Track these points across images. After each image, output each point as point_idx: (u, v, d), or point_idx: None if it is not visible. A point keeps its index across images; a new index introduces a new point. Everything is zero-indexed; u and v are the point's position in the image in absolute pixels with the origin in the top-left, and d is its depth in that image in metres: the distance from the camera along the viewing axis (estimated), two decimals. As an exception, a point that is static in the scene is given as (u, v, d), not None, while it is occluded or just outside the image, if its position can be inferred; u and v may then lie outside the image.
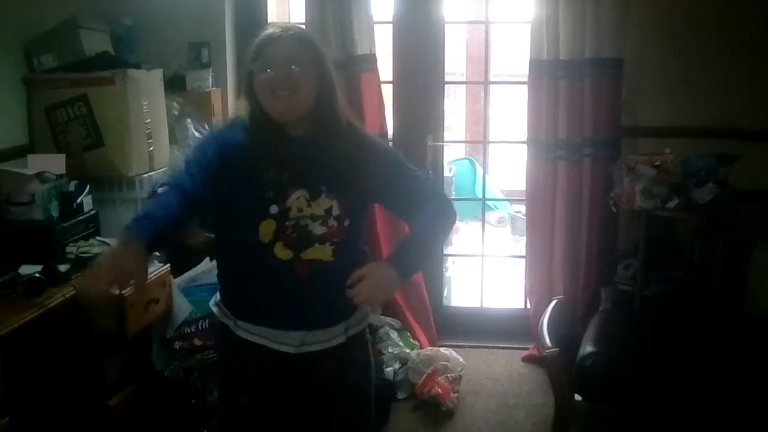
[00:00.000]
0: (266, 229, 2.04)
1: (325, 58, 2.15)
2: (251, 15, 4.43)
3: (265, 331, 2.13)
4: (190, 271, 3.52)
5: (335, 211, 2.08)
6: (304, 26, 4.20)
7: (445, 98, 4.67)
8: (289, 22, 2.16)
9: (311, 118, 2.11)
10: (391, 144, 4.36)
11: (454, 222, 2.24)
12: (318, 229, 2.07)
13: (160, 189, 2.09)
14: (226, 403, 2.30)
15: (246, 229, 2.06)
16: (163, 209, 1.98)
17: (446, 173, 5.41)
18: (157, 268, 3.25)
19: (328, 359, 2.17)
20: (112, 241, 3.21)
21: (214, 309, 2.26)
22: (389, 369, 3.95)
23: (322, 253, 2.08)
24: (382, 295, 2.05)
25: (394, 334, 4.19)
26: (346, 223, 2.10)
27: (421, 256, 2.19)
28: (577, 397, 3.01)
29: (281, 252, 2.05)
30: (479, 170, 7.35)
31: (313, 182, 2.07)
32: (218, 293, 2.27)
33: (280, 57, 2.06)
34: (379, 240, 4.22)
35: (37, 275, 2.76)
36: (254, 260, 2.06)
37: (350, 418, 2.27)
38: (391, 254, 2.12)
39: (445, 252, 4.98)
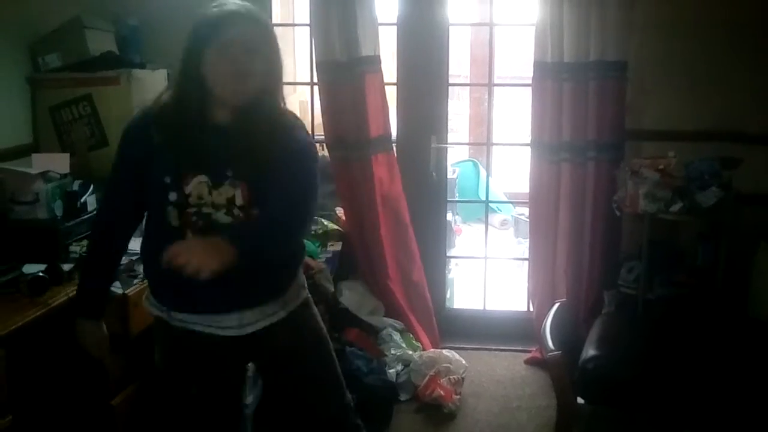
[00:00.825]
0: (172, 214, 2.06)
1: (278, 43, 2.11)
2: (256, 16, 4.43)
3: (202, 317, 2.13)
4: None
5: (239, 200, 2.05)
6: (308, 27, 4.23)
7: (449, 100, 4.67)
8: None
9: (243, 106, 2.07)
10: (395, 145, 4.38)
11: (284, 246, 2.17)
12: (223, 218, 2.06)
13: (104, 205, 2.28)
14: (175, 397, 2.33)
15: (157, 213, 2.09)
16: (115, 235, 2.22)
17: (450, 175, 5.41)
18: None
19: (274, 335, 2.19)
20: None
21: (146, 304, 2.26)
22: (392, 371, 3.95)
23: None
24: (207, 259, 1.86)
25: (396, 336, 4.19)
26: (255, 212, 2.07)
27: (255, 238, 2.03)
28: (580, 400, 3.01)
29: (192, 238, 2.05)
30: (483, 172, 7.35)
31: (218, 168, 2.04)
32: (147, 288, 2.28)
33: (240, 43, 2.01)
34: (383, 243, 4.23)
35: (40, 274, 2.77)
36: (170, 244, 1.94)
37: (308, 377, 2.31)
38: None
39: (448, 254, 4.98)
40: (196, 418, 2.27)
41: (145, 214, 2.23)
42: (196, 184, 2.04)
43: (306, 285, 2.37)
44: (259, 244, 2.02)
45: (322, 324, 2.41)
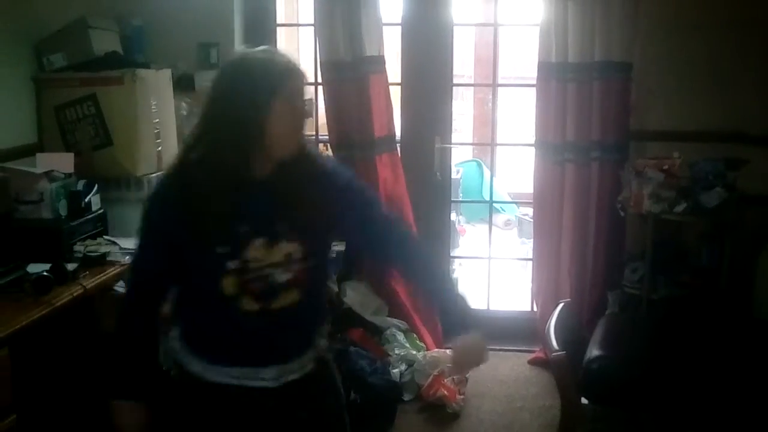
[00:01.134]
0: (229, 283, 1.92)
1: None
2: (260, 16, 4.45)
3: (241, 371, 2.02)
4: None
5: (296, 255, 1.96)
6: (313, 27, 4.23)
7: (454, 100, 4.67)
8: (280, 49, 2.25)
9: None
10: (398, 146, 4.38)
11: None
12: (282, 276, 1.96)
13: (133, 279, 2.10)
14: None
15: (208, 283, 1.94)
16: (147, 314, 2.06)
17: (454, 175, 5.41)
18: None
19: (303, 387, 2.08)
20: (123, 241, 3.22)
21: (179, 357, 2.11)
22: (395, 371, 3.95)
23: (290, 298, 1.97)
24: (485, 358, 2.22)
25: (400, 336, 4.19)
26: (311, 263, 1.99)
27: (466, 305, 2.21)
28: (584, 401, 3.00)
29: (249, 305, 1.94)
30: (487, 173, 7.35)
31: (272, 228, 1.94)
32: (172, 342, 2.13)
33: (301, 93, 1.94)
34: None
35: (45, 274, 2.77)
36: (222, 312, 1.94)
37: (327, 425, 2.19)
38: (462, 323, 2.21)
39: (452, 254, 4.98)
40: None
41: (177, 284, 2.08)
42: (256, 248, 1.92)
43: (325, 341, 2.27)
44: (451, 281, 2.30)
45: (341, 397, 2.31)
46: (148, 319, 2.08)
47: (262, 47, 2.03)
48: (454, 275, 5.00)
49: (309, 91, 2.00)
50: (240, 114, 1.86)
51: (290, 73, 1.91)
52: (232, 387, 2.02)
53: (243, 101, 1.87)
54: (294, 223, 1.94)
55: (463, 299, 2.18)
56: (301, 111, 1.94)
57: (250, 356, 2.01)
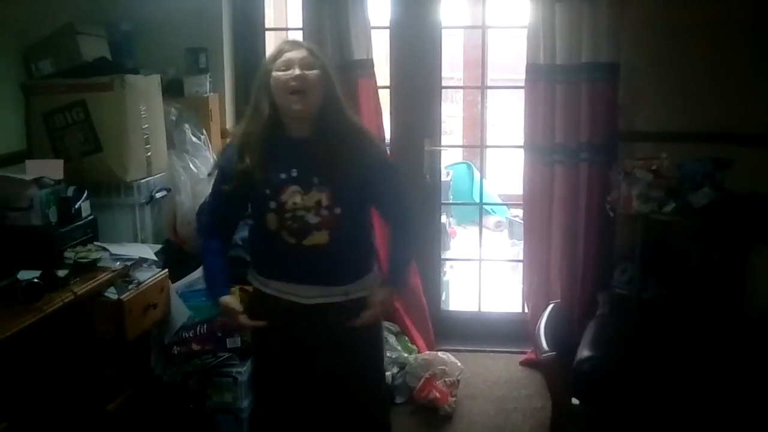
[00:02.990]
0: (271, 219, 2.49)
1: (332, 70, 2.55)
2: (249, 21, 4.45)
3: (282, 285, 2.59)
4: (188, 277, 3.52)
5: (324, 202, 2.47)
6: (301, 31, 4.24)
7: (444, 103, 4.68)
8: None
9: (315, 120, 2.50)
10: (388, 149, 4.39)
11: (417, 235, 3.00)
12: (313, 218, 2.48)
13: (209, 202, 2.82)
14: (258, 352, 2.85)
15: (259, 218, 2.55)
16: (222, 226, 2.71)
17: (444, 177, 5.41)
18: (155, 273, 3.25)
19: (332, 313, 2.58)
20: (114, 247, 3.22)
21: (250, 277, 2.71)
22: (387, 373, 3.94)
23: (320, 238, 2.49)
24: (385, 314, 2.69)
25: (392, 339, 4.20)
26: (337, 211, 2.49)
27: (407, 275, 2.78)
28: (575, 401, 3.02)
29: (288, 237, 2.50)
30: (477, 175, 7.36)
31: (306, 177, 2.47)
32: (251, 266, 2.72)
33: (296, 60, 2.45)
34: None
35: (35, 280, 2.77)
36: (270, 240, 2.53)
37: (353, 372, 2.68)
38: (389, 278, 2.68)
39: (443, 256, 4.99)
40: (272, 368, 2.73)
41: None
42: (291, 193, 2.46)
43: (373, 287, 2.71)
44: (408, 277, 2.76)
45: (380, 328, 2.84)
46: (222, 239, 2.72)
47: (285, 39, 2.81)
48: (445, 277, 5.02)
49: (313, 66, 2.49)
50: (259, 86, 2.51)
51: (280, 51, 2.49)
52: (282, 300, 2.59)
53: (259, 76, 2.52)
54: (325, 177, 2.46)
55: (403, 267, 2.74)
56: (290, 78, 2.43)
57: (294, 277, 2.57)
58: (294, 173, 2.46)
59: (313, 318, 2.59)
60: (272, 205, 2.47)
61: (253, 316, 2.64)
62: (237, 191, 2.54)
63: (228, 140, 2.79)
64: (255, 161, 2.47)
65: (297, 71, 2.43)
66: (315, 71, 2.46)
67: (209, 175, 2.90)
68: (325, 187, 2.46)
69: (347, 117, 2.56)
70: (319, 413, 2.79)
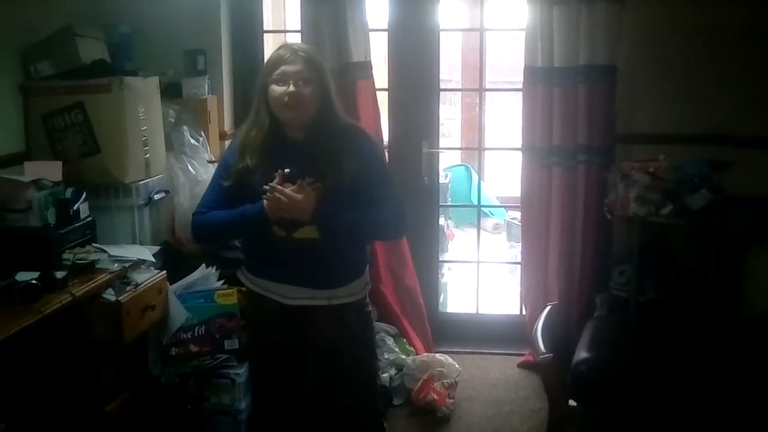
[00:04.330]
0: None
1: (328, 77, 2.64)
2: (247, 23, 4.46)
3: (267, 283, 2.67)
4: (186, 278, 3.52)
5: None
6: (300, 34, 4.25)
7: (442, 105, 4.68)
8: (299, 43, 3.12)
9: (311, 125, 2.60)
10: (386, 151, 4.38)
11: (395, 231, 2.82)
12: None
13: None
14: (252, 351, 2.94)
15: None
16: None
17: (442, 180, 5.42)
18: (153, 275, 3.25)
19: (318, 315, 2.66)
20: (112, 248, 3.23)
21: (239, 275, 2.80)
22: (385, 375, 3.96)
23: (310, 232, 2.57)
24: (291, 213, 2.51)
25: (389, 341, 4.20)
26: None
27: (343, 221, 2.60)
28: (572, 403, 3.02)
29: (278, 231, 2.58)
30: (475, 177, 7.37)
31: (300, 177, 2.51)
32: (243, 265, 2.80)
33: (291, 75, 2.53)
34: (375, 248, 4.23)
35: (33, 282, 2.76)
36: (262, 235, 2.61)
37: (344, 377, 2.72)
38: (322, 204, 2.55)
39: (441, 258, 5.00)
40: (266, 365, 2.79)
41: None
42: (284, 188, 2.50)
43: (367, 294, 2.80)
44: (343, 225, 2.60)
45: (369, 331, 2.86)
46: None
47: (283, 43, 2.88)
48: (443, 279, 5.03)
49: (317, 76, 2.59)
50: (259, 93, 2.62)
51: (277, 62, 2.57)
52: (268, 299, 2.67)
53: (259, 85, 2.63)
54: (319, 175, 2.52)
55: (341, 217, 2.60)
56: (288, 88, 2.52)
57: (280, 276, 2.64)
58: (288, 171, 2.53)
59: (297, 319, 2.66)
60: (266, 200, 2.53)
61: (246, 314, 2.79)
62: (233, 187, 2.63)
63: (234, 136, 2.87)
64: (254, 161, 2.59)
65: (291, 88, 2.52)
66: (309, 87, 2.55)
67: (210, 162, 3.23)
68: (318, 184, 2.52)
69: (341, 120, 2.67)
70: (312, 414, 2.84)
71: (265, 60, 2.72)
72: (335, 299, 2.66)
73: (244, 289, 2.85)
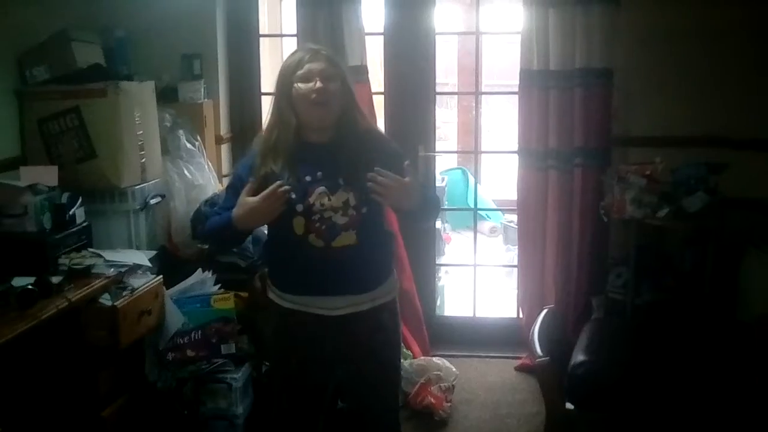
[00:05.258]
0: (298, 224, 2.48)
1: (349, 76, 2.61)
2: (243, 27, 4.45)
3: (306, 299, 2.56)
4: (182, 283, 3.52)
5: (352, 202, 2.49)
6: (296, 38, 4.25)
7: (438, 108, 4.69)
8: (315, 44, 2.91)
9: (335, 127, 2.56)
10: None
11: (436, 216, 2.94)
12: (341, 219, 2.48)
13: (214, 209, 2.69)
14: (277, 369, 2.79)
15: (283, 225, 2.49)
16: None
17: (438, 183, 5.42)
18: (149, 280, 3.25)
19: (359, 322, 2.57)
20: (108, 253, 3.22)
21: (271, 295, 2.67)
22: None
23: (348, 238, 2.49)
24: (398, 201, 2.46)
25: (387, 344, 4.19)
26: (364, 210, 2.50)
27: (428, 204, 2.62)
28: (569, 406, 3.02)
29: (315, 241, 2.48)
30: (471, 180, 7.38)
31: (331, 179, 2.49)
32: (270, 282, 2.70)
33: (317, 72, 2.49)
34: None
35: (29, 287, 2.76)
36: (296, 248, 2.50)
37: (374, 379, 2.66)
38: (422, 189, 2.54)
39: (437, 262, 5.00)
40: (294, 387, 2.67)
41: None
42: (318, 195, 2.47)
43: (396, 293, 2.73)
44: (427, 208, 2.61)
45: (399, 333, 2.82)
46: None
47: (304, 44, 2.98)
48: (439, 283, 5.03)
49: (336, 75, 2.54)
50: (281, 95, 2.54)
51: (300, 62, 2.52)
52: (306, 314, 2.56)
53: (281, 86, 2.55)
54: (350, 177, 2.48)
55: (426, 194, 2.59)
56: (311, 90, 2.47)
57: (320, 288, 2.54)
58: (319, 175, 2.49)
59: (339, 329, 2.57)
60: (299, 208, 2.47)
61: (270, 330, 2.70)
62: (255, 193, 2.51)
63: (250, 148, 2.74)
64: (281, 165, 2.50)
65: (318, 84, 2.48)
66: (335, 83, 2.51)
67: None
68: (351, 188, 2.49)
69: (364, 122, 2.65)
70: (334, 416, 2.83)
71: (282, 63, 2.63)
72: (377, 300, 2.60)
73: (244, 295, 2.86)
